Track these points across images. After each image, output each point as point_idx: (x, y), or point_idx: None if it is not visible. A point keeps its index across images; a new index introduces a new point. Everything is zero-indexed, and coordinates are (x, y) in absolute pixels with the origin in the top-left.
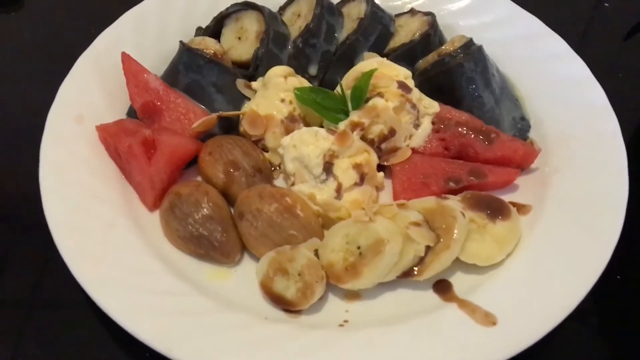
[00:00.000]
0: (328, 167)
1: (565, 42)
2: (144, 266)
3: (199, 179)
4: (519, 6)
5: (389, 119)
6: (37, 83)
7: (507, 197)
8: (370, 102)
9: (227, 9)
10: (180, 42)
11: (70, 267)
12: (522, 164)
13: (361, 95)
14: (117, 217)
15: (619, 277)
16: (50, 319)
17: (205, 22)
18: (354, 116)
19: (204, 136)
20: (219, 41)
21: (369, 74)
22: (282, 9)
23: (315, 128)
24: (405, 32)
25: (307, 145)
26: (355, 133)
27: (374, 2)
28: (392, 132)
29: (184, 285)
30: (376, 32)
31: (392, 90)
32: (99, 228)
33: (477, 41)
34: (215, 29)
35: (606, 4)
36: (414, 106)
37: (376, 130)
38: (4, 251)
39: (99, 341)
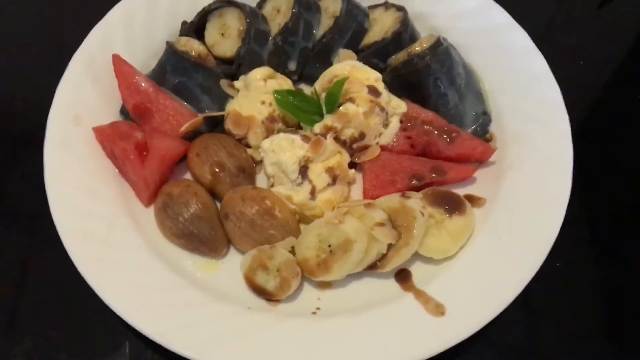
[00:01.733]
0: (303, 171)
1: (528, 36)
2: (143, 263)
3: (189, 174)
4: None
5: (359, 124)
6: (31, 76)
7: (464, 190)
8: (342, 108)
9: (210, 5)
10: (167, 43)
11: (80, 271)
12: (480, 160)
13: (334, 100)
14: (118, 216)
15: (558, 264)
16: (64, 304)
17: (190, 14)
18: (328, 120)
19: (192, 134)
20: (204, 35)
21: (342, 82)
22: (262, 1)
23: (292, 136)
24: (379, 28)
25: (284, 151)
26: (328, 135)
27: (350, 0)
28: (362, 136)
29: (179, 279)
30: (351, 29)
31: (362, 96)
32: (102, 228)
33: (447, 31)
34: (199, 24)
35: None
36: (382, 109)
37: (348, 133)
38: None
39: (109, 325)
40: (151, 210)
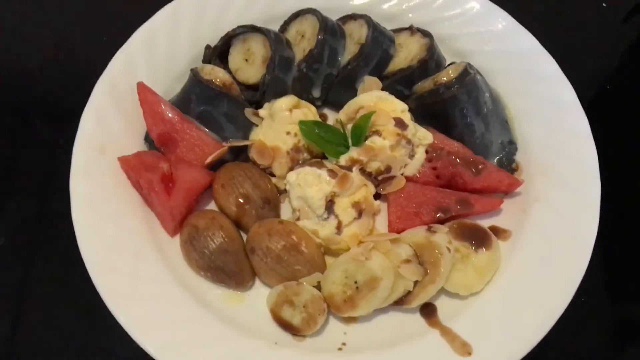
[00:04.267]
0: (329, 206)
1: (555, 63)
2: (170, 297)
3: (213, 202)
4: (517, 21)
5: (386, 157)
6: (54, 99)
7: (489, 221)
8: (369, 141)
9: (234, 30)
10: (192, 71)
11: (109, 308)
12: (505, 192)
13: (361, 134)
14: (144, 246)
15: (583, 299)
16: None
17: (212, 36)
18: (354, 153)
19: (217, 162)
20: (227, 59)
21: (369, 116)
22: (286, 24)
23: (318, 170)
24: (405, 54)
25: (310, 186)
26: (354, 168)
27: (375, 26)
28: (388, 169)
29: (206, 313)
30: (377, 57)
31: (389, 129)
32: (129, 261)
33: (472, 54)
34: (223, 48)
35: (604, 4)
36: (409, 142)
37: (374, 166)
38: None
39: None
40: (177, 239)
